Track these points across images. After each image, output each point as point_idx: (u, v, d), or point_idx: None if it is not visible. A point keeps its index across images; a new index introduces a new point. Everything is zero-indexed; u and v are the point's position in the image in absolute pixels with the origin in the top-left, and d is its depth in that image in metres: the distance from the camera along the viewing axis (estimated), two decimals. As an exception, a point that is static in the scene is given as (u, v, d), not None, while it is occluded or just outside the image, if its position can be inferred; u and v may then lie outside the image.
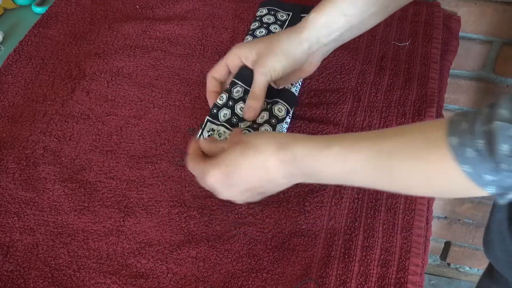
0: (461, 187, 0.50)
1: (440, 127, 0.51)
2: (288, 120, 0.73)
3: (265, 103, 0.72)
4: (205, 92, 0.80)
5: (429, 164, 0.51)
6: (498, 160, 0.46)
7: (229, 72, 0.73)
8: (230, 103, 0.72)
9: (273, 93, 0.73)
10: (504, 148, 0.45)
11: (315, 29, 0.69)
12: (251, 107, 0.70)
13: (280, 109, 0.72)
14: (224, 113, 0.72)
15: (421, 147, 0.52)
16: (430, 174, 0.52)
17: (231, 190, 0.60)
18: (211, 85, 0.73)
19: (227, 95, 0.72)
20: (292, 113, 0.74)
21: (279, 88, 0.74)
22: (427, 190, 0.54)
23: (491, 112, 0.47)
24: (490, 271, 0.99)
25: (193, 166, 0.63)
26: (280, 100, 0.72)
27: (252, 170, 0.59)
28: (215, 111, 0.71)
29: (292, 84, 0.78)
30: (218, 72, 0.73)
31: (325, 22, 0.69)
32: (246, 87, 0.72)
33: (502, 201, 0.50)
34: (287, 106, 0.72)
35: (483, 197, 1.33)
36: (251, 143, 0.59)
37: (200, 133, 0.70)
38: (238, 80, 0.72)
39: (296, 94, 0.77)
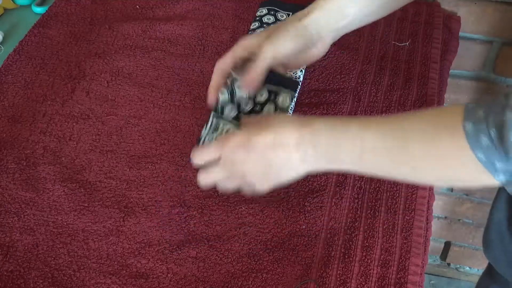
0: (472, 173, 0.51)
1: (456, 112, 0.51)
2: (292, 105, 0.74)
3: (269, 93, 0.72)
4: (205, 92, 0.80)
5: (443, 146, 0.52)
6: (507, 150, 0.47)
7: (236, 65, 0.73)
8: (234, 97, 0.71)
9: (277, 80, 0.72)
10: None
11: (324, 14, 0.69)
12: (250, 78, 0.68)
13: (283, 100, 0.72)
14: (229, 108, 0.72)
15: (437, 129, 0.53)
16: (444, 156, 0.52)
17: (248, 159, 0.59)
18: (218, 77, 0.72)
19: (228, 90, 0.72)
20: (296, 105, 0.75)
21: (287, 73, 0.74)
22: (438, 174, 0.54)
23: (506, 103, 0.48)
24: (489, 271, 0.99)
25: (210, 146, 0.63)
26: (283, 88, 0.72)
27: (272, 139, 0.59)
28: (219, 106, 0.71)
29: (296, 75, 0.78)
30: (226, 64, 0.72)
31: (335, 7, 0.69)
32: None
33: None
34: (291, 93, 0.72)
35: (482, 197, 1.33)
36: (273, 120, 0.61)
37: (206, 130, 0.69)
38: (239, 76, 0.72)
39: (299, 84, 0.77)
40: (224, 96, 0.71)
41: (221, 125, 0.70)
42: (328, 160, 0.58)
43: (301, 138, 0.58)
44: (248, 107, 0.71)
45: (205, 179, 0.62)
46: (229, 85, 0.71)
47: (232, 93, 0.71)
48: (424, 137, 0.53)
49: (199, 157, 0.63)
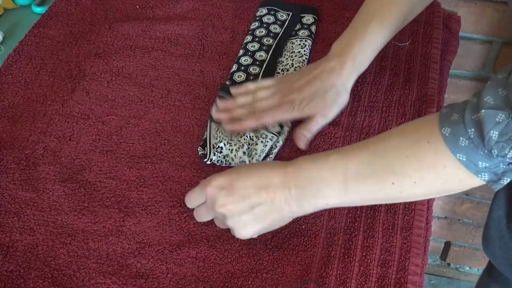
0: (457, 177, 0.51)
1: (432, 120, 0.52)
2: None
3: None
4: (205, 92, 0.80)
5: (424, 156, 0.52)
6: (489, 147, 0.47)
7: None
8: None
9: None
10: (493, 134, 0.47)
11: (357, 70, 0.74)
12: (304, 137, 0.72)
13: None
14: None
15: (416, 141, 0.53)
16: (427, 166, 0.52)
17: (229, 203, 0.59)
18: (252, 126, 0.73)
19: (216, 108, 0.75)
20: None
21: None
22: (426, 186, 0.54)
23: (478, 101, 0.48)
24: (489, 270, 1.00)
25: (196, 188, 0.64)
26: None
27: (255, 181, 0.59)
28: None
29: None
30: (269, 124, 0.74)
31: (366, 62, 0.74)
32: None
33: (497, 187, 0.51)
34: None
35: (482, 197, 1.33)
36: (256, 164, 0.63)
37: (206, 136, 0.71)
38: (224, 94, 0.76)
39: None
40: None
41: (219, 128, 0.71)
42: (312, 196, 0.58)
43: (284, 176, 0.58)
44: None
45: (197, 218, 0.65)
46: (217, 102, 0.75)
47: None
48: (405, 152, 0.53)
49: (189, 201, 0.65)
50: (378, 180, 0.55)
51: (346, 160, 0.56)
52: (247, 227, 0.60)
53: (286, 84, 0.74)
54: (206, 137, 0.72)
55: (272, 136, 0.71)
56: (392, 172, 0.54)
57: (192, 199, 0.65)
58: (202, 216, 0.64)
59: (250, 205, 0.59)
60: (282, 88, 0.74)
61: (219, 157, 0.70)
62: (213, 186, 0.60)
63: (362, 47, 0.72)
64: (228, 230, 0.64)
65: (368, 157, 0.55)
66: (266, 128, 0.72)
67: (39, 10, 0.94)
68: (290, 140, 0.74)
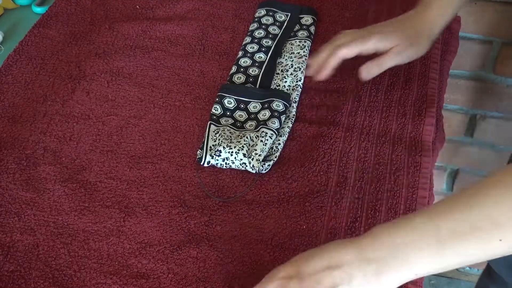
0: None
1: None
2: (294, 111, 0.76)
3: (261, 104, 0.76)
4: (205, 92, 0.80)
5: None
6: None
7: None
8: (228, 112, 0.75)
9: (269, 94, 0.76)
10: None
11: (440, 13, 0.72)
12: (371, 69, 0.70)
13: (278, 104, 0.74)
14: (225, 119, 0.73)
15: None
16: None
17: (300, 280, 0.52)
18: (335, 62, 0.72)
19: (220, 106, 0.76)
20: (297, 105, 0.77)
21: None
22: None
23: None
24: (488, 271, 1.00)
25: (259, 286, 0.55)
26: (275, 99, 0.75)
27: (327, 262, 0.51)
28: (215, 117, 0.75)
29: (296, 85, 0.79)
30: (349, 54, 0.72)
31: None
32: (237, 97, 0.76)
33: None
34: (284, 102, 0.75)
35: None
36: (323, 246, 0.53)
37: (205, 141, 0.71)
38: (225, 93, 0.77)
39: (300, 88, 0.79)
40: (218, 112, 0.75)
41: (219, 130, 0.71)
42: (395, 267, 0.49)
43: (358, 251, 0.50)
44: (243, 118, 0.75)
45: None
46: (220, 101, 0.76)
47: (225, 109, 0.75)
48: (509, 203, 0.47)
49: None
50: (481, 236, 0.47)
51: (435, 220, 0.49)
52: None
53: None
54: (204, 139, 0.72)
55: (271, 134, 0.71)
56: (496, 226, 0.47)
57: None
58: None
59: None
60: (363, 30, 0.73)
61: (218, 160, 0.70)
62: (280, 279, 0.53)
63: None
64: (229, 230, 0.64)
65: (463, 213, 0.48)
66: (265, 124, 0.72)
67: (39, 10, 0.94)
68: (290, 140, 0.74)
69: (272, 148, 0.71)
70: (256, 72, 0.81)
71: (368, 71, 0.71)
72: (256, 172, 0.69)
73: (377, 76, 0.80)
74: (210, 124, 0.73)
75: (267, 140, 0.70)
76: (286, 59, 0.83)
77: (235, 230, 0.65)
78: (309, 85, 0.81)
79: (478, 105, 1.16)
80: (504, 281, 0.92)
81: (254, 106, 0.75)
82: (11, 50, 0.86)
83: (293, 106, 0.76)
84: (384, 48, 0.71)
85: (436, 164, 0.79)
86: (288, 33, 0.87)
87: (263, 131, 0.71)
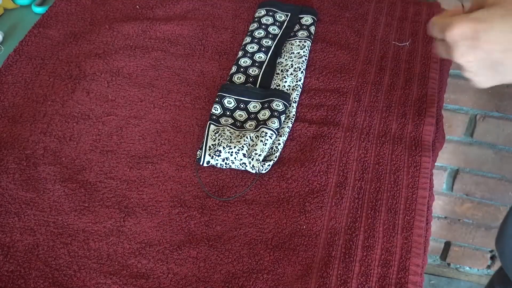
0: None
1: None
2: (294, 111, 0.76)
3: (261, 103, 0.76)
4: (205, 92, 0.80)
5: None
6: None
7: None
8: (228, 112, 0.75)
9: (268, 94, 0.76)
10: None
11: None
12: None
13: (277, 104, 0.74)
14: (225, 119, 0.73)
15: None
16: None
17: (471, 52, 0.54)
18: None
19: (220, 105, 0.76)
20: (297, 105, 0.77)
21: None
22: None
23: None
24: (498, 272, 0.99)
25: (437, 19, 0.57)
26: (275, 98, 0.75)
27: (508, 34, 0.51)
28: (214, 117, 0.75)
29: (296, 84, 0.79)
30: None
31: None
32: (237, 97, 0.76)
33: None
34: (284, 101, 0.75)
35: (482, 197, 1.33)
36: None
37: (205, 140, 0.71)
38: (225, 93, 0.76)
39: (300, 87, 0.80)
40: (218, 112, 0.75)
41: (219, 130, 0.71)
42: None
43: None
44: (242, 118, 0.75)
45: (436, 50, 0.59)
46: (220, 101, 0.76)
47: (225, 108, 0.76)
48: None
49: (434, 29, 0.58)
50: None
51: None
52: (486, 82, 0.56)
53: None
54: (204, 139, 0.72)
55: (271, 134, 0.71)
56: None
57: (434, 32, 0.58)
58: (441, 54, 0.59)
59: (495, 63, 0.54)
60: None
61: (217, 160, 0.70)
62: (455, 34, 0.54)
63: None
64: (229, 230, 0.64)
65: None
66: (265, 124, 0.72)
67: (39, 10, 0.94)
68: (290, 140, 0.74)
69: (272, 148, 0.71)
70: (256, 72, 0.81)
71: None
72: (256, 172, 0.69)
73: (377, 76, 0.80)
74: (210, 124, 0.73)
75: (267, 140, 0.70)
76: (286, 59, 0.83)
77: (235, 230, 0.65)
78: (309, 85, 0.81)
79: (478, 105, 1.16)
80: (509, 281, 0.92)
81: (254, 106, 0.75)
82: (11, 50, 0.86)
83: (293, 106, 0.77)
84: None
85: (436, 164, 0.79)
86: (288, 33, 0.87)
87: (263, 131, 0.71)
